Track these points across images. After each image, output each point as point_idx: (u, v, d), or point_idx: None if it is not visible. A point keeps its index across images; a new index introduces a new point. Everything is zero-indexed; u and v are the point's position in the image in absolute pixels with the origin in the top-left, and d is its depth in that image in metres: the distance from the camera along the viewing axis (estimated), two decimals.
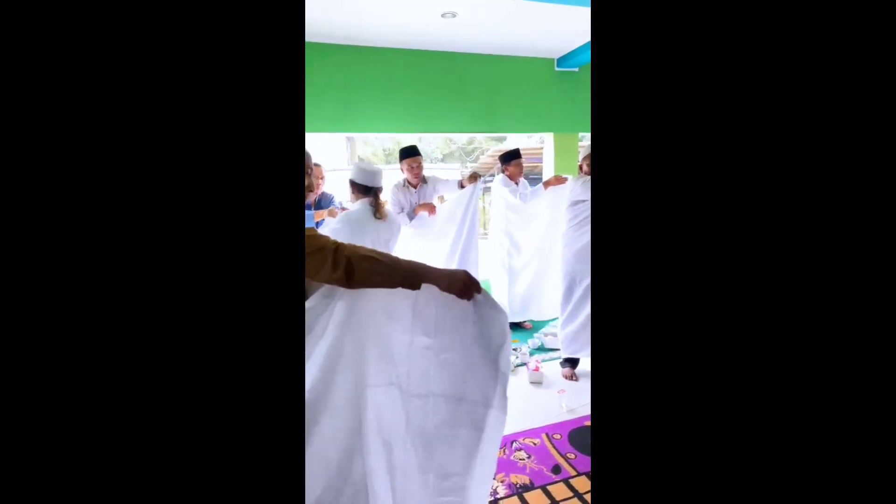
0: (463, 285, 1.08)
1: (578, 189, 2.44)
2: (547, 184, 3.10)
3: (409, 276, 1.05)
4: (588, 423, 2.15)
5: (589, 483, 1.73)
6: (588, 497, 1.66)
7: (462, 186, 2.91)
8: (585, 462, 1.86)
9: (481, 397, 1.14)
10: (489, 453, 1.16)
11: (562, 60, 3.64)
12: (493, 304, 1.12)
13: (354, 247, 1.04)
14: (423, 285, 1.06)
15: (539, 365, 2.68)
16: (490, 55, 3.52)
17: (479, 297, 1.10)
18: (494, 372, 1.13)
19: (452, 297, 1.08)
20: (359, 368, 1.08)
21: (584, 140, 4.15)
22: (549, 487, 1.71)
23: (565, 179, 3.01)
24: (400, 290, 1.06)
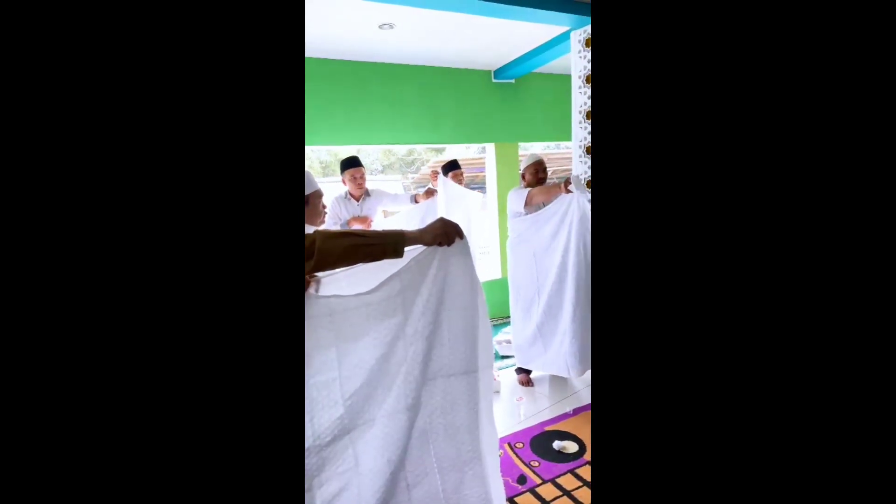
0: (445, 233, 1.05)
1: (517, 200, 2.47)
2: None
3: (391, 243, 1.00)
4: (548, 428, 2.17)
5: (555, 490, 1.74)
6: None
7: (416, 202, 2.85)
8: (549, 469, 1.86)
9: (468, 366, 1.11)
10: (488, 420, 1.15)
11: (498, 72, 3.73)
12: (466, 251, 1.09)
13: (327, 230, 0.99)
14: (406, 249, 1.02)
15: (495, 373, 2.68)
16: (428, 66, 3.53)
17: (459, 242, 1.08)
18: (474, 332, 1.10)
19: (433, 270, 1.05)
20: (361, 400, 1.01)
21: (523, 150, 4.27)
22: (516, 499, 1.70)
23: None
24: (383, 282, 1.01)
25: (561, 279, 2.38)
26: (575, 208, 2.28)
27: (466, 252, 1.08)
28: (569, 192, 2.27)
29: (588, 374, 2.65)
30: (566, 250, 2.35)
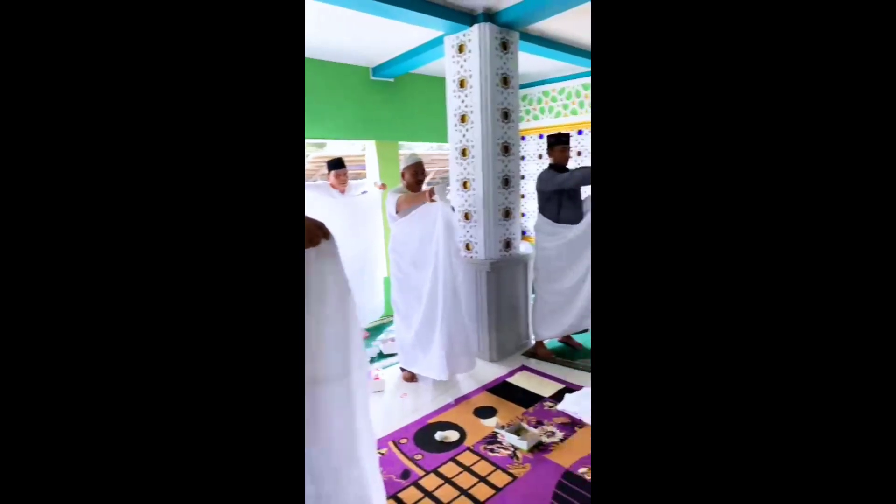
0: (309, 232, 1.01)
1: (391, 204, 2.49)
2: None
3: None
4: (431, 420, 2.23)
5: (437, 480, 1.80)
6: (438, 493, 1.72)
7: None
8: (432, 460, 1.92)
9: (340, 370, 1.08)
10: (364, 422, 1.14)
11: (377, 70, 3.71)
12: (333, 251, 1.06)
13: None
14: None
15: (378, 373, 2.67)
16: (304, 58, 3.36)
17: (324, 243, 1.04)
18: (344, 335, 1.08)
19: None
20: None
21: (404, 149, 4.31)
22: (399, 495, 1.72)
23: (384, 186, 3.13)
24: None
25: (434, 287, 2.46)
26: (440, 217, 2.37)
27: (333, 252, 1.05)
28: (433, 200, 2.35)
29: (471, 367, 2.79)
30: (436, 258, 2.43)
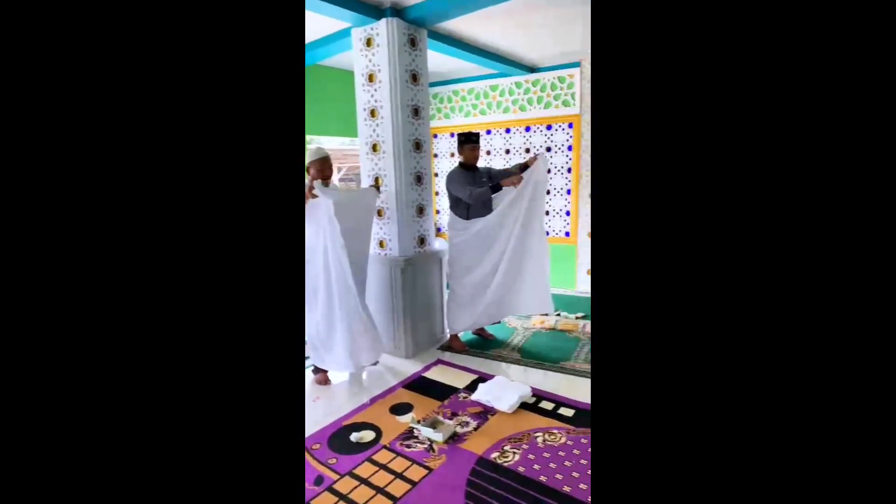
0: None
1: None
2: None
3: None
4: (345, 422, 2.18)
5: (353, 482, 1.76)
6: (353, 495, 1.68)
7: None
8: (347, 462, 1.87)
9: None
10: None
11: None
12: None
13: None
14: None
15: None
16: None
17: None
18: None
19: None
20: None
21: (314, 143, 4.13)
22: (312, 502, 1.65)
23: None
24: None
25: (328, 282, 2.44)
26: (324, 213, 2.35)
27: None
28: (314, 196, 2.31)
29: (380, 360, 2.76)
30: (325, 251, 2.41)
